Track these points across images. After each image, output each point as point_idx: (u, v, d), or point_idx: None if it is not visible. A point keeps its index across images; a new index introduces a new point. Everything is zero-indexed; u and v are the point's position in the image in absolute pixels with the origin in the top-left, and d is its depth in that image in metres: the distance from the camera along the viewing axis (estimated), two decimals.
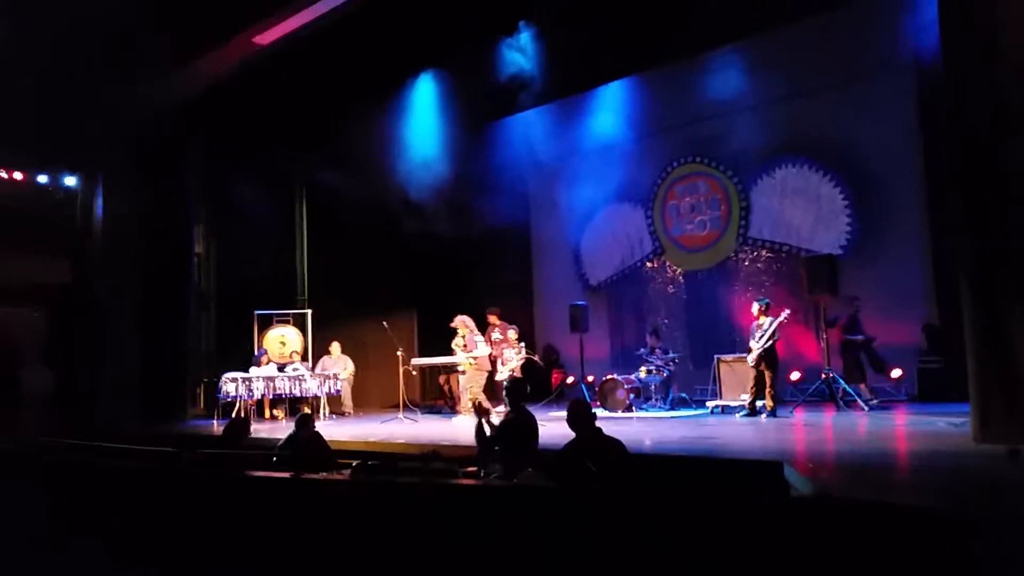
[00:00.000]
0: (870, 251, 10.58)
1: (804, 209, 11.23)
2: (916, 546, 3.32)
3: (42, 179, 12.17)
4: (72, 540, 5.44)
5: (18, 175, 11.88)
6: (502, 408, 7.74)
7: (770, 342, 8.97)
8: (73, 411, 10.82)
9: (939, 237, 9.70)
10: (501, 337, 11.26)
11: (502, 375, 10.16)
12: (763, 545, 3.53)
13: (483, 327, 11.13)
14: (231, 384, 10.80)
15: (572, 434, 5.44)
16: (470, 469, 5.78)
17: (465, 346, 10.20)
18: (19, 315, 11.53)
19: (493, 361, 10.61)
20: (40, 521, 5.64)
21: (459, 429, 9.16)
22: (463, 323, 10.26)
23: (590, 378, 11.54)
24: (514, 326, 10.82)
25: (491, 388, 10.46)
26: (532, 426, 6.22)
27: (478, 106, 12.79)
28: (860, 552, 3.36)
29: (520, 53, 11.76)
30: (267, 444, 7.90)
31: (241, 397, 10.85)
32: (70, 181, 12.38)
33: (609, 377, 10.37)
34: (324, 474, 5.69)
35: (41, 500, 5.74)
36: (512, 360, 10.31)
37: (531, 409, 6.29)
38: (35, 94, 10.41)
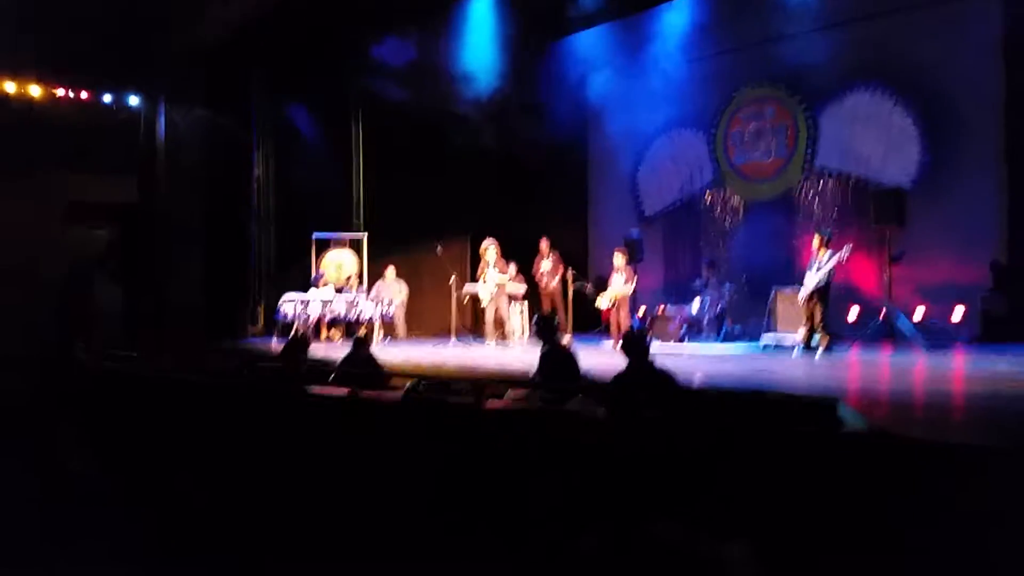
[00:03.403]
0: (941, 183, 10.12)
1: (875, 138, 10.76)
2: (973, 483, 3.28)
3: (106, 99, 12.38)
4: (135, 451, 5.72)
5: (84, 94, 12.10)
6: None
7: (826, 278, 8.72)
8: (141, 326, 11.26)
9: (1017, 171, 9.24)
10: (551, 266, 11.32)
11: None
12: (814, 479, 3.52)
13: (534, 253, 11.23)
14: (289, 305, 11.06)
15: (619, 366, 5.45)
16: (517, 395, 5.85)
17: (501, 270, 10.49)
18: (89, 233, 11.92)
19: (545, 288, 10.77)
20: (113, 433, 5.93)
21: (510, 356, 9.30)
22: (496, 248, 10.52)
23: (642, 309, 11.48)
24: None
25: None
26: (570, 357, 6.26)
27: (536, 26, 12.47)
28: (913, 489, 3.32)
29: None
30: (324, 363, 8.13)
31: (299, 318, 11.13)
32: (133, 101, 12.57)
33: (661, 308, 10.32)
34: (378, 392, 5.83)
35: (112, 412, 6.02)
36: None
37: (581, 339, 6.32)
38: (101, 13, 10.51)
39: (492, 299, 10.61)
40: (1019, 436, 4.49)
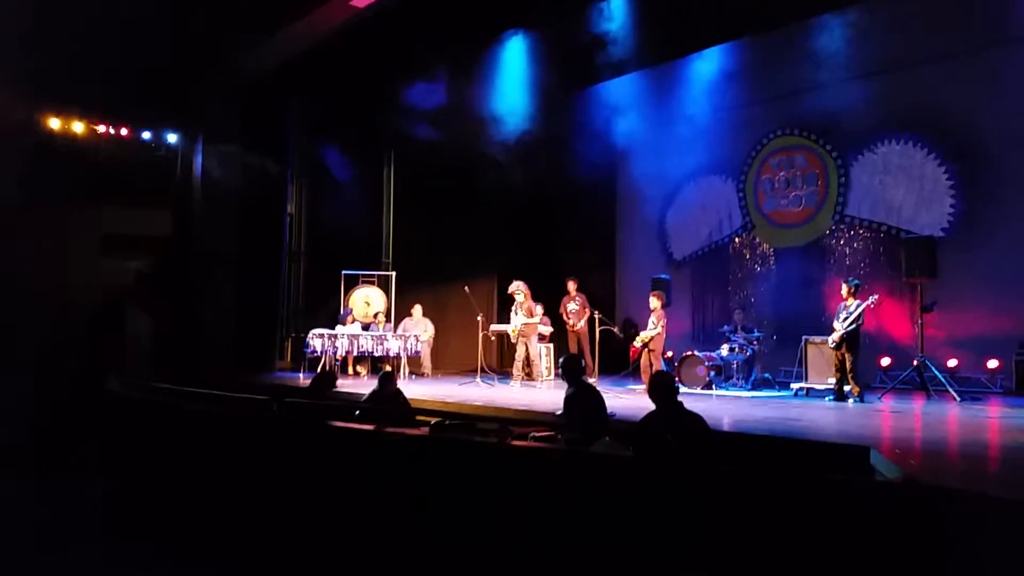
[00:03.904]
0: (974, 235, 10.05)
1: (906, 188, 10.74)
2: (1005, 536, 3.20)
3: (146, 135, 12.74)
4: (168, 480, 5.76)
5: (124, 131, 12.47)
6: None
7: (854, 326, 8.64)
8: (172, 358, 11.40)
9: None
10: (577, 307, 11.35)
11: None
12: (846, 527, 3.46)
13: (562, 294, 11.28)
14: (317, 340, 11.15)
15: (646, 408, 5.42)
16: (544, 434, 5.83)
17: (529, 311, 10.48)
18: (124, 265, 12.16)
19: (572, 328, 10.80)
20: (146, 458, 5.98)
21: (535, 396, 9.27)
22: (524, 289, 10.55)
23: (669, 353, 11.42)
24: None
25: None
26: (597, 397, 6.24)
27: (568, 72, 12.67)
28: (947, 539, 3.26)
29: (611, 19, 11.54)
30: (350, 398, 8.17)
31: (326, 352, 11.20)
32: (172, 138, 12.93)
33: (689, 353, 10.25)
34: (404, 429, 5.84)
35: (147, 439, 6.08)
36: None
37: (608, 380, 6.29)
38: (142, 53, 10.86)
39: (521, 338, 10.64)
40: None
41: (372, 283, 13.23)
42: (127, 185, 12.17)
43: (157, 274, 12.50)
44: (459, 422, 6.42)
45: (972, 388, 9.13)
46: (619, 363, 11.76)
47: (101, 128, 12.31)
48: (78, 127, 12.10)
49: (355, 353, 11.65)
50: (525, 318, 10.65)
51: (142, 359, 10.91)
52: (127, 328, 11.20)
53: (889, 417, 7.58)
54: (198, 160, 12.85)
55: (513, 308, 10.81)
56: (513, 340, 10.85)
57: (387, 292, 13.18)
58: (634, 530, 3.92)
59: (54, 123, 11.92)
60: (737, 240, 12.86)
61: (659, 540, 3.84)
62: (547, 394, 9.41)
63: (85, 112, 12.07)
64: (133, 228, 12.36)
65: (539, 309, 11.11)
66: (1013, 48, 9.58)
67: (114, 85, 11.31)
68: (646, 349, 9.85)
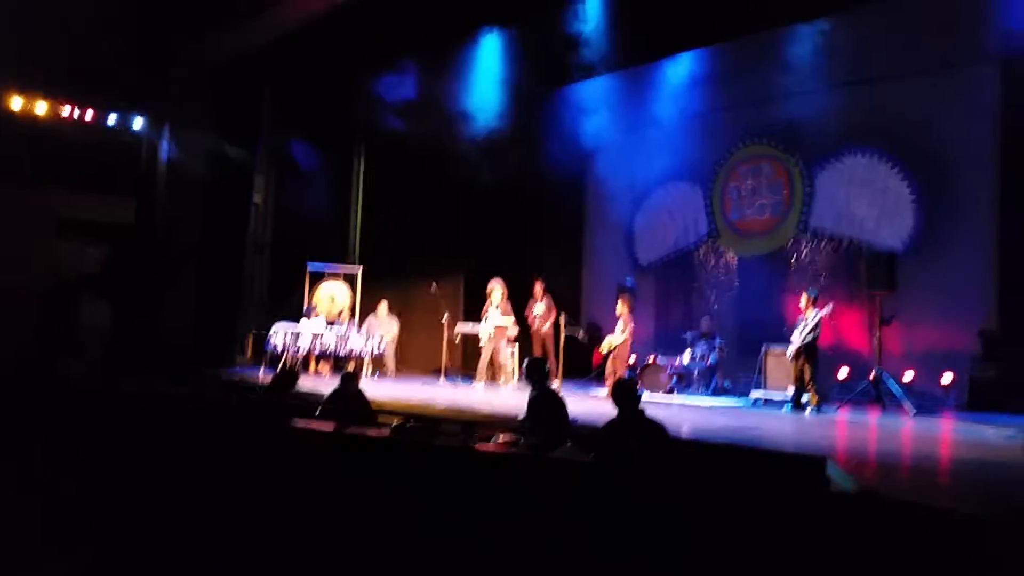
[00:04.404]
0: (934, 249, 10.24)
1: (869, 201, 10.91)
2: (957, 549, 3.27)
3: (111, 120, 12.46)
4: (118, 474, 5.63)
5: (88, 114, 12.18)
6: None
7: (811, 336, 8.77)
8: (131, 348, 11.18)
9: (1009, 239, 9.36)
10: (544, 309, 11.35)
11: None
12: (802, 538, 3.51)
13: (528, 296, 11.28)
14: (279, 336, 11.02)
15: (608, 414, 5.44)
16: (507, 439, 5.82)
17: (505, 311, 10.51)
18: (83, 250, 11.90)
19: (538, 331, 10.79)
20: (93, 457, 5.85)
21: (499, 398, 9.26)
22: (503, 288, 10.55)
23: (632, 359, 11.48)
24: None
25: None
26: (559, 402, 6.25)
27: (541, 71, 12.65)
28: (901, 551, 3.31)
29: (586, 21, 11.56)
30: (311, 397, 8.08)
31: (288, 349, 11.07)
32: (137, 123, 12.65)
33: (652, 359, 10.33)
34: (365, 430, 5.79)
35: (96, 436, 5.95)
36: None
37: (571, 385, 6.30)
38: (110, 35, 10.64)
39: (491, 340, 10.59)
40: (1004, 503, 4.49)
41: (338, 278, 13.11)
42: (90, 169, 11.89)
43: (118, 261, 12.25)
44: (422, 424, 6.40)
45: (927, 401, 9.31)
46: (582, 367, 11.81)
47: (65, 110, 12.01)
48: (41, 107, 11.80)
49: (317, 351, 11.54)
50: (501, 317, 10.62)
51: (97, 347, 10.67)
52: (83, 314, 10.95)
53: (845, 428, 7.71)
54: (164, 146, 12.60)
55: (486, 307, 10.73)
56: (483, 341, 10.74)
57: (353, 288, 13.07)
58: (593, 535, 3.93)
59: (16, 103, 11.61)
60: (702, 247, 12.96)
61: (617, 545, 3.86)
62: (512, 396, 9.40)
63: (48, 92, 11.78)
64: (94, 214, 12.10)
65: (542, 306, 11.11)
66: (980, 67, 9.78)
67: (79, 66, 11.06)
68: (612, 355, 9.88)
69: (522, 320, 11.57)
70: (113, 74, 11.43)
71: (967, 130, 10.00)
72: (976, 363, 9.47)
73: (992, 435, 6.94)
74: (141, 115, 12.61)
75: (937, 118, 10.24)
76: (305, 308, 12.09)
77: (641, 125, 13.31)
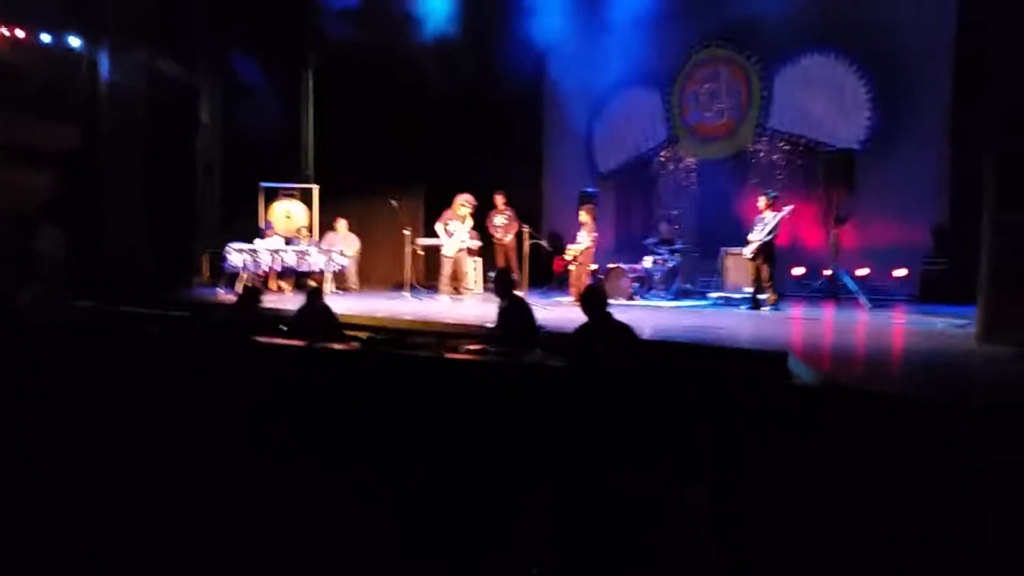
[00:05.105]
0: (889, 147, 10.38)
1: (827, 101, 10.95)
2: (916, 435, 3.43)
3: (45, 39, 11.77)
4: (91, 403, 5.58)
5: (20, 33, 11.49)
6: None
7: (769, 237, 8.90)
8: (85, 274, 10.91)
9: (961, 137, 9.50)
10: (506, 221, 11.31)
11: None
12: (767, 430, 3.64)
13: (489, 207, 11.21)
14: (237, 255, 10.83)
15: (574, 320, 5.52)
16: (476, 347, 5.88)
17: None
18: (30, 178, 11.45)
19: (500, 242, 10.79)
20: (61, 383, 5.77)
21: (464, 309, 9.31)
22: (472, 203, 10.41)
23: (594, 266, 11.57)
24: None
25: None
26: (528, 311, 6.32)
27: None
28: (862, 439, 3.47)
29: None
30: (277, 314, 8.02)
31: (247, 268, 10.92)
32: (75, 42, 11.98)
33: (614, 265, 10.42)
34: (336, 344, 5.79)
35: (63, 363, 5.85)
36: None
37: (535, 294, 6.35)
38: None
39: (456, 254, 10.51)
40: (956, 389, 4.70)
41: (293, 196, 12.85)
42: (31, 93, 11.33)
43: (67, 187, 11.82)
44: (390, 336, 6.43)
45: (881, 296, 9.60)
46: (544, 276, 11.88)
47: (2, 32, 11.29)
48: None
49: (278, 269, 11.40)
50: (469, 232, 10.54)
51: (54, 276, 10.40)
52: (38, 244, 10.60)
53: (802, 324, 7.94)
54: (104, 67, 11.98)
55: (451, 220, 10.57)
56: (451, 255, 10.62)
57: (309, 205, 12.83)
58: (566, 435, 4.03)
59: None
60: (662, 153, 12.95)
61: (590, 447, 3.97)
62: (476, 308, 9.45)
63: None
64: (40, 140, 11.59)
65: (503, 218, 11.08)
66: None
67: None
68: (575, 262, 9.93)
69: (483, 231, 11.53)
70: None
71: (924, 29, 10.02)
72: (928, 257, 9.76)
73: (942, 325, 7.22)
74: (78, 35, 11.93)
75: (895, 18, 10.23)
76: (260, 227, 11.88)
77: (597, 30, 13.00)
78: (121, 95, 11.94)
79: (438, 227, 10.62)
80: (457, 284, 10.62)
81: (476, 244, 11.04)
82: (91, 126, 12.09)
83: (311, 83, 13.78)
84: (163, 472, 4.64)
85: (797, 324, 7.96)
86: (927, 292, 9.54)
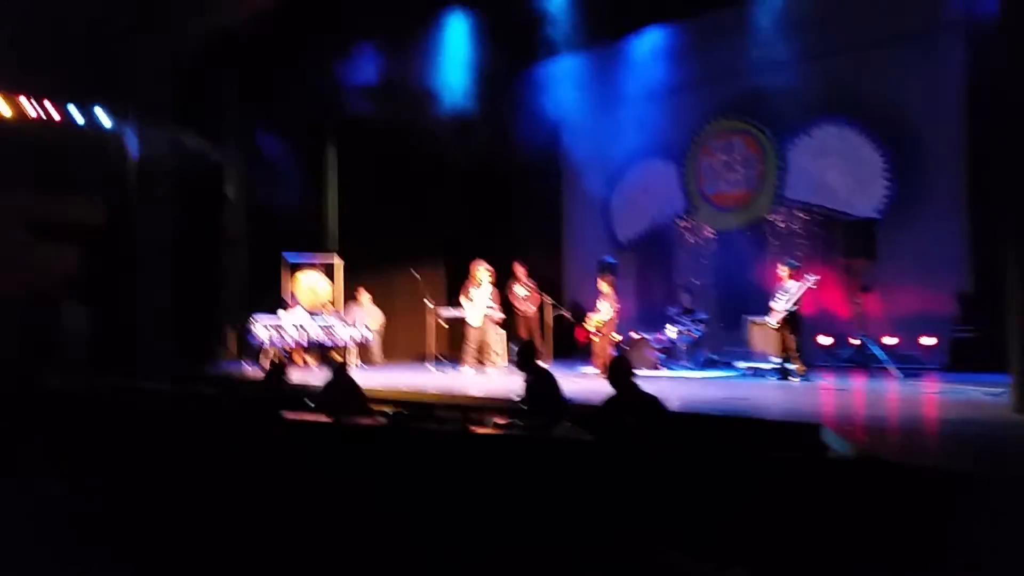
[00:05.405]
0: (907, 216, 10.40)
1: (842, 171, 11.05)
2: (952, 508, 3.34)
3: (76, 116, 12.19)
4: (117, 482, 5.57)
5: (54, 113, 11.91)
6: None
7: (795, 307, 8.87)
8: (110, 350, 11.01)
9: (979, 203, 9.53)
10: (527, 292, 11.35)
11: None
12: (804, 503, 3.57)
13: (508, 278, 11.27)
14: (263, 330, 10.90)
15: (600, 391, 5.48)
16: (503, 422, 5.85)
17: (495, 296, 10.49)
18: (55, 254, 11.68)
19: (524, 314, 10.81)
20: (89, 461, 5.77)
21: (489, 382, 9.28)
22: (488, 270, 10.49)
23: (617, 337, 11.54)
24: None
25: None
26: (554, 383, 6.29)
27: (510, 51, 12.58)
28: (900, 512, 3.38)
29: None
30: (303, 389, 8.03)
31: (273, 343, 10.98)
32: (104, 119, 12.39)
33: (638, 336, 10.39)
34: (363, 419, 5.78)
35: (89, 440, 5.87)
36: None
37: (560, 365, 6.33)
38: (71, 28, 10.39)
39: (482, 324, 10.53)
40: (993, 459, 4.60)
41: (316, 268, 13.01)
42: (58, 170, 11.65)
43: (92, 263, 12.04)
44: (416, 411, 6.40)
45: (910, 365, 9.48)
46: (568, 346, 11.86)
47: (30, 110, 11.70)
48: (4, 109, 11.51)
49: (303, 343, 11.46)
50: (490, 301, 10.59)
51: (78, 351, 10.50)
52: (63, 320, 10.75)
53: (833, 395, 7.83)
54: (132, 142, 12.35)
55: (468, 287, 10.65)
56: (476, 325, 10.65)
57: (332, 277, 12.97)
58: (599, 513, 3.96)
59: None
60: (680, 223, 13.05)
61: (626, 522, 3.89)
62: (502, 380, 9.41)
63: (9, 90, 11.48)
64: (66, 215, 11.87)
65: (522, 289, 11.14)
66: (945, 35, 9.90)
67: (42, 63, 10.79)
68: (597, 333, 9.92)
69: (505, 302, 11.57)
70: (77, 71, 11.17)
71: (935, 98, 10.15)
72: (955, 325, 9.66)
73: (977, 394, 7.09)
74: (106, 112, 12.34)
75: (905, 87, 10.39)
76: (285, 299, 11.99)
77: (612, 103, 13.32)
78: (147, 171, 12.24)
79: (462, 300, 10.68)
80: (482, 356, 10.62)
81: (499, 316, 10.99)
82: (117, 201, 12.38)
83: (334, 158, 14.12)
84: (188, 550, 4.60)
85: (828, 394, 7.85)
86: (957, 360, 9.38)
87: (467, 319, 10.63)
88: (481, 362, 10.57)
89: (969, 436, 5.35)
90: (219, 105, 12.88)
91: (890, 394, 7.63)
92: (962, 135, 9.90)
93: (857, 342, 9.13)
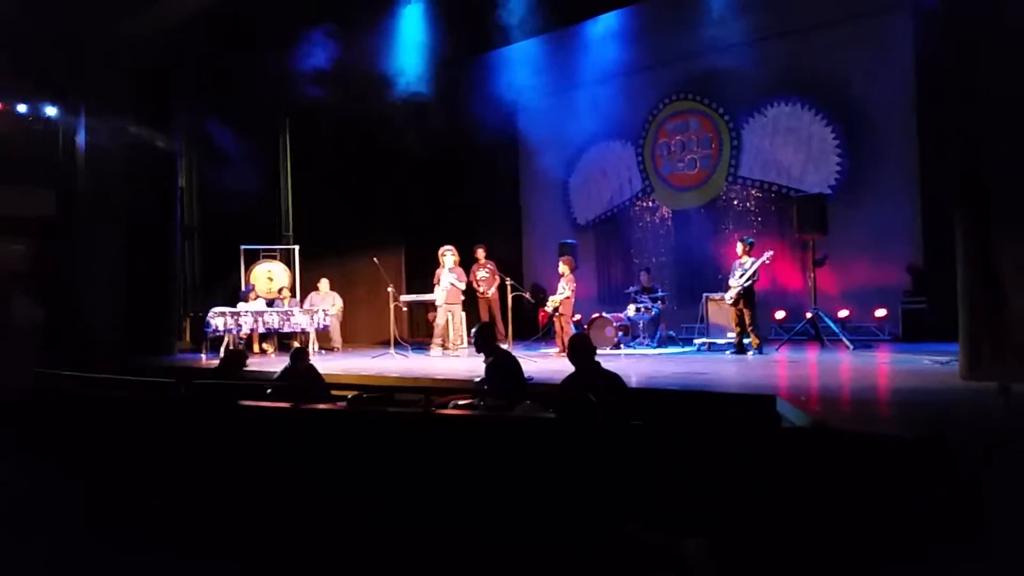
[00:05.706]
0: (859, 191, 10.63)
1: (795, 148, 11.23)
2: (906, 475, 3.43)
3: (21, 108, 11.83)
4: (72, 472, 5.47)
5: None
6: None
7: (750, 282, 9.01)
8: (64, 343, 10.76)
9: (929, 177, 9.75)
10: (487, 274, 11.35)
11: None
12: (760, 474, 3.64)
13: (470, 262, 11.24)
14: (219, 318, 10.75)
15: (561, 371, 5.51)
16: (465, 402, 5.85)
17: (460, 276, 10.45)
18: (3, 246, 11.35)
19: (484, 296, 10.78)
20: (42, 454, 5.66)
21: (451, 364, 9.27)
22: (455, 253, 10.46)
23: (577, 316, 11.61)
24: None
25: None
26: (514, 363, 6.31)
27: (467, 36, 12.50)
28: (853, 480, 3.46)
29: None
30: (260, 377, 7.95)
31: (230, 331, 10.83)
32: (51, 112, 12.04)
33: (597, 315, 10.47)
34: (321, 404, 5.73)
35: (42, 433, 5.75)
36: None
37: (521, 346, 6.36)
38: (17, 22, 10.05)
39: (446, 305, 10.48)
40: (939, 425, 4.72)
41: (273, 257, 12.85)
42: (6, 162, 11.30)
43: (43, 256, 11.72)
44: (377, 395, 6.38)
45: (863, 336, 9.69)
46: (530, 328, 11.91)
47: None
48: None
49: (260, 331, 11.32)
50: (457, 282, 10.55)
51: (32, 347, 10.24)
52: (16, 315, 10.46)
53: (787, 367, 7.98)
54: (81, 134, 12.01)
55: (439, 272, 10.60)
56: (439, 303, 10.60)
57: (290, 266, 12.83)
58: (561, 487, 3.99)
59: None
60: (638, 203, 13.15)
61: (587, 497, 3.93)
62: (464, 362, 9.41)
63: None
64: (14, 208, 11.52)
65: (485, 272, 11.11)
66: (896, 16, 10.10)
67: None
68: (556, 313, 9.97)
69: (466, 285, 11.56)
70: (22, 63, 10.81)
71: (886, 76, 10.35)
72: (906, 296, 9.90)
73: (927, 363, 7.28)
74: (54, 104, 11.99)
75: (856, 66, 10.57)
76: (243, 290, 11.83)
77: (569, 86, 13.36)
78: (98, 162, 11.91)
79: (435, 287, 10.66)
80: (444, 338, 10.59)
81: (461, 285, 10.86)
82: (68, 193, 12.06)
83: (288, 145, 13.92)
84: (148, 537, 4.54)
85: (782, 367, 7.99)
86: (909, 331, 9.64)
87: (436, 302, 10.60)
88: (444, 346, 10.55)
89: (919, 403, 5.49)
90: (170, 94, 12.58)
91: (843, 365, 7.79)
92: (913, 112, 10.12)
93: (810, 315, 9.30)
